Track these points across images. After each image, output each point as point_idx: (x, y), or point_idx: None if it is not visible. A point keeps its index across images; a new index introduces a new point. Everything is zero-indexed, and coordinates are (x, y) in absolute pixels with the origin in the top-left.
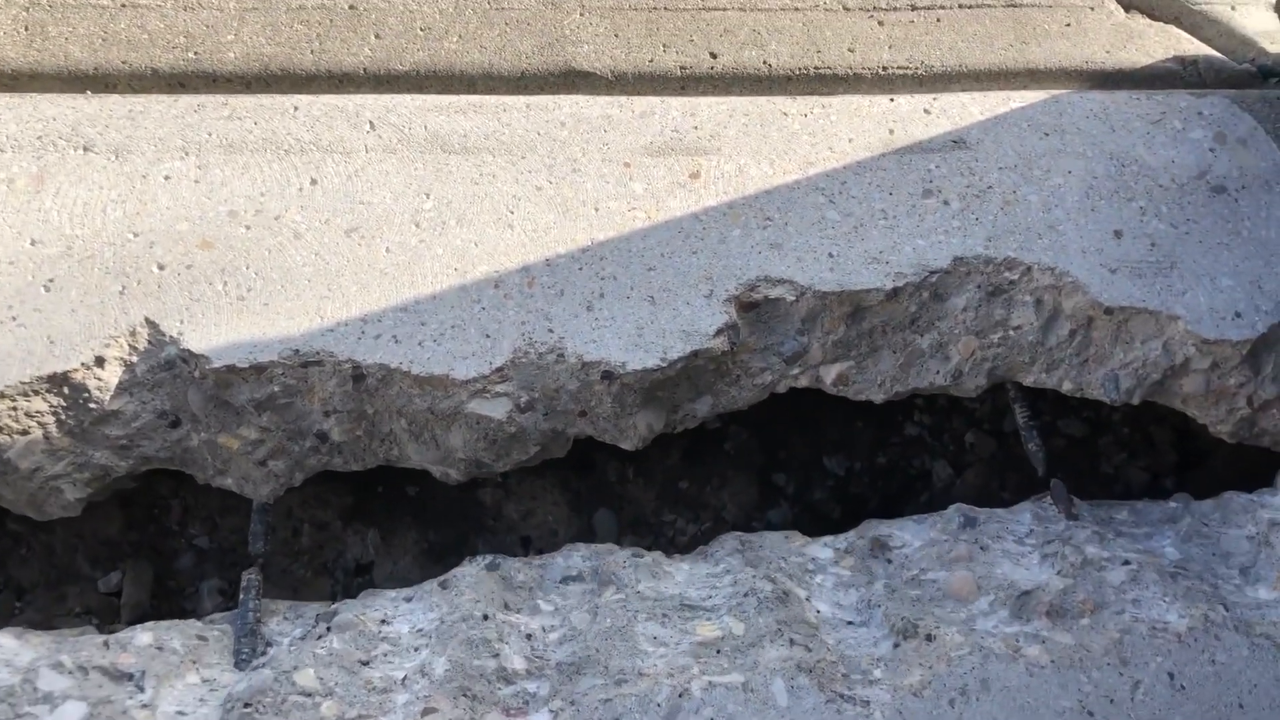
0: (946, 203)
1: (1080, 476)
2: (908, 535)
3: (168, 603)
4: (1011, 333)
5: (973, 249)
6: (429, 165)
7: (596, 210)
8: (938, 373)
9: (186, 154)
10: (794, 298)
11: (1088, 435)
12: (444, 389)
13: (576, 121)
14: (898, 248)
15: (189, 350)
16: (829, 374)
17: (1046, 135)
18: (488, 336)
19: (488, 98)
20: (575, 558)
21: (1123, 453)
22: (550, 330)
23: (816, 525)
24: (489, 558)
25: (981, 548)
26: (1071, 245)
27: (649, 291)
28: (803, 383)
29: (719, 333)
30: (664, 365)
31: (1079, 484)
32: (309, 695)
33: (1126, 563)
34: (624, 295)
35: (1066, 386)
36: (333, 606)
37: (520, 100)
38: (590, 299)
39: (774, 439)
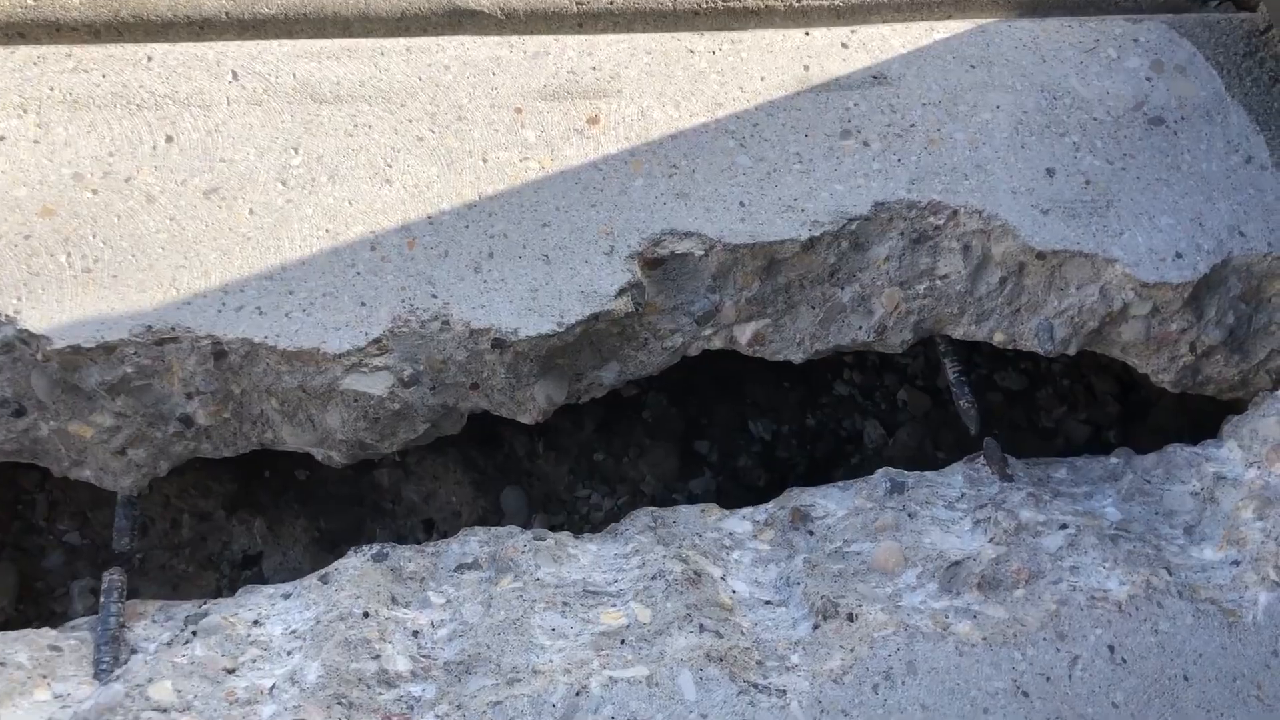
0: (866, 144)
1: (1019, 432)
2: (831, 504)
3: (35, 606)
4: (938, 282)
5: (895, 193)
6: (298, 117)
7: (485, 161)
8: (860, 328)
9: (25, 111)
10: (703, 252)
11: (1026, 389)
12: (315, 364)
13: (462, 65)
14: (814, 194)
15: (28, 330)
16: (744, 334)
17: (973, 68)
18: (363, 304)
19: (364, 41)
20: (472, 543)
21: (1062, 406)
22: (434, 295)
23: (741, 495)
24: (376, 547)
25: (909, 515)
26: (1000, 186)
27: (543, 249)
28: (716, 344)
29: (621, 293)
30: (561, 330)
31: (1017, 440)
32: (164, 711)
33: (1064, 526)
34: (516, 255)
35: (998, 338)
36: (203, 607)
37: (400, 43)
38: (478, 260)
39: (695, 405)
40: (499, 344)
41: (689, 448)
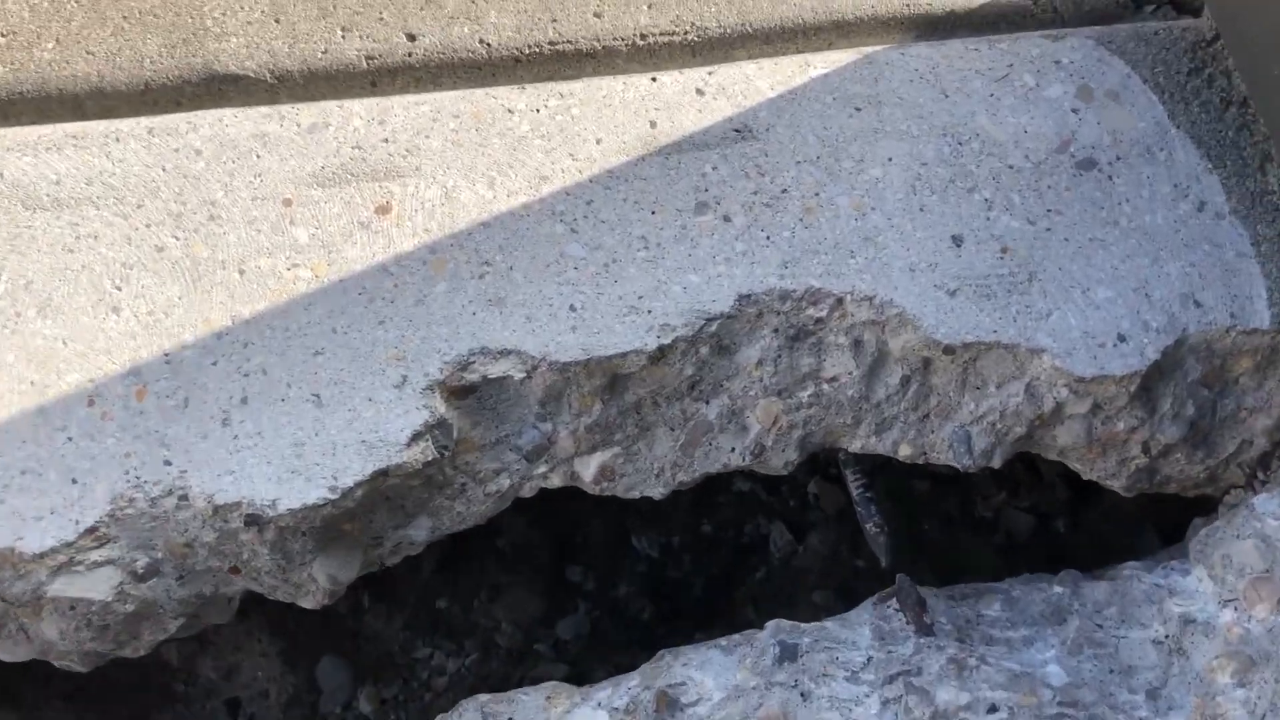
0: (728, 219)
1: (951, 526)
2: (709, 678)
3: None
4: (825, 387)
5: (764, 281)
6: (3, 230)
7: (241, 273)
8: (733, 450)
9: None
10: (524, 374)
11: (958, 471)
12: (12, 567)
13: (218, 147)
14: (663, 289)
15: None
16: (587, 468)
17: (858, 110)
18: (75, 481)
19: (96, 124)
20: None
21: (1001, 492)
22: (168, 462)
23: (622, 635)
24: None
25: (803, 694)
26: (895, 262)
27: (314, 387)
28: (555, 482)
29: (417, 437)
30: (335, 498)
31: (950, 535)
32: None
33: (993, 710)
34: (277, 397)
35: (904, 451)
36: None
37: (141, 124)
38: (227, 408)
39: (565, 520)
40: (254, 521)
41: (558, 575)
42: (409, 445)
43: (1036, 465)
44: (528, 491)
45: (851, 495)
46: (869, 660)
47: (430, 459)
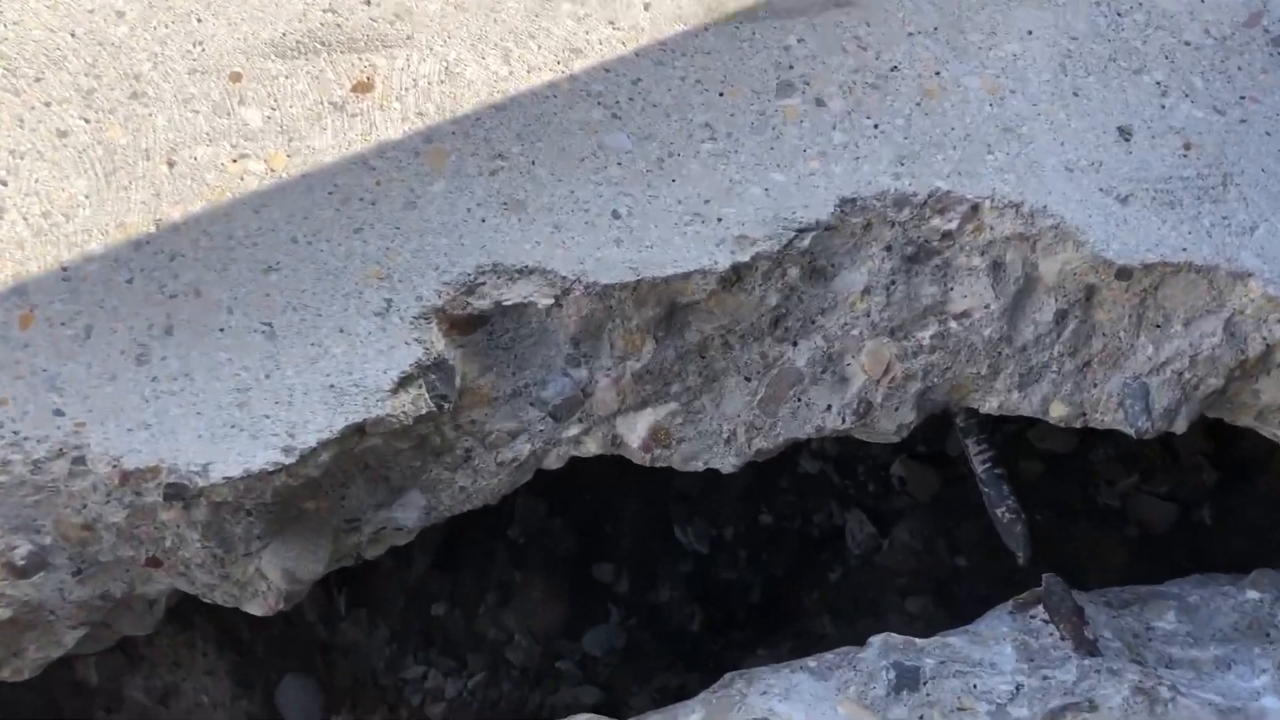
0: (821, 102)
1: (1068, 517)
2: (799, 713)
3: None
4: (954, 325)
5: (873, 181)
6: None
7: (172, 166)
8: (829, 409)
9: None
10: (550, 300)
11: (1076, 449)
12: None
13: (147, 7)
14: (737, 191)
15: None
16: (634, 429)
17: None
18: None
19: None
20: None
21: (1131, 474)
22: (60, 412)
23: (663, 652)
24: None
25: None
26: (1047, 159)
27: (264, 314)
28: (591, 449)
29: (405, 383)
30: (291, 462)
31: (1069, 527)
32: None
33: None
34: (214, 327)
35: (1058, 411)
36: None
37: None
38: (145, 341)
39: (592, 505)
40: (177, 493)
41: (585, 575)
42: (394, 393)
43: (1171, 443)
44: (554, 461)
45: (976, 472)
46: (1018, 689)
47: (423, 413)
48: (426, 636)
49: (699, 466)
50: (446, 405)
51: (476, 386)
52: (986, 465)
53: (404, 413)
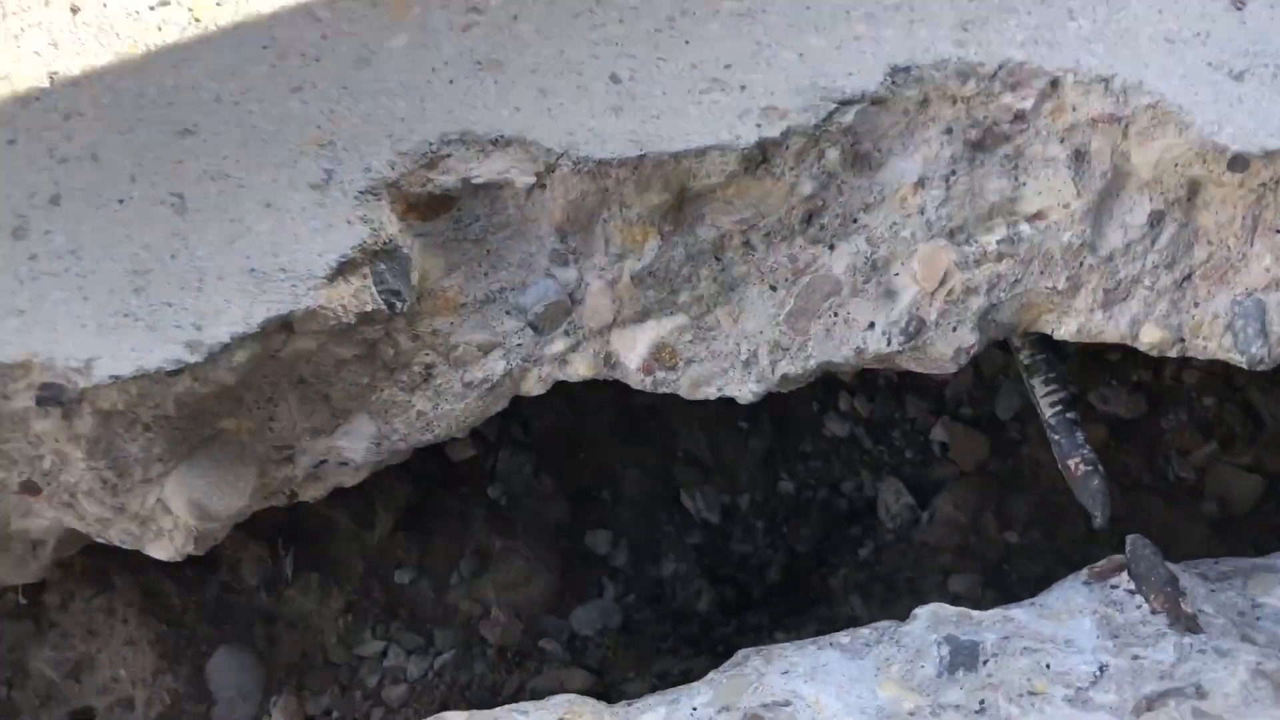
0: None
1: (1137, 491)
2: (829, 696)
3: None
4: (1026, 228)
5: (931, 47)
6: None
7: (75, 12)
8: (872, 327)
9: None
10: (532, 178)
11: (1145, 414)
12: None
13: None
14: (765, 54)
15: None
16: (633, 346)
17: None
18: None
19: None
20: None
21: (1209, 441)
22: None
23: (668, 633)
24: None
25: None
26: (1142, 27)
27: (174, 184)
28: (580, 370)
29: (347, 270)
30: (197, 361)
31: (1137, 502)
32: None
33: None
34: (111, 197)
35: (1150, 336)
36: None
37: None
38: (23, 213)
39: (586, 463)
40: (53, 396)
41: (576, 544)
42: (330, 281)
43: (1253, 406)
44: (534, 385)
45: (1043, 417)
46: (1102, 670)
47: (368, 310)
48: (388, 608)
49: (711, 393)
50: (399, 305)
51: (440, 289)
52: (1057, 409)
53: (342, 307)
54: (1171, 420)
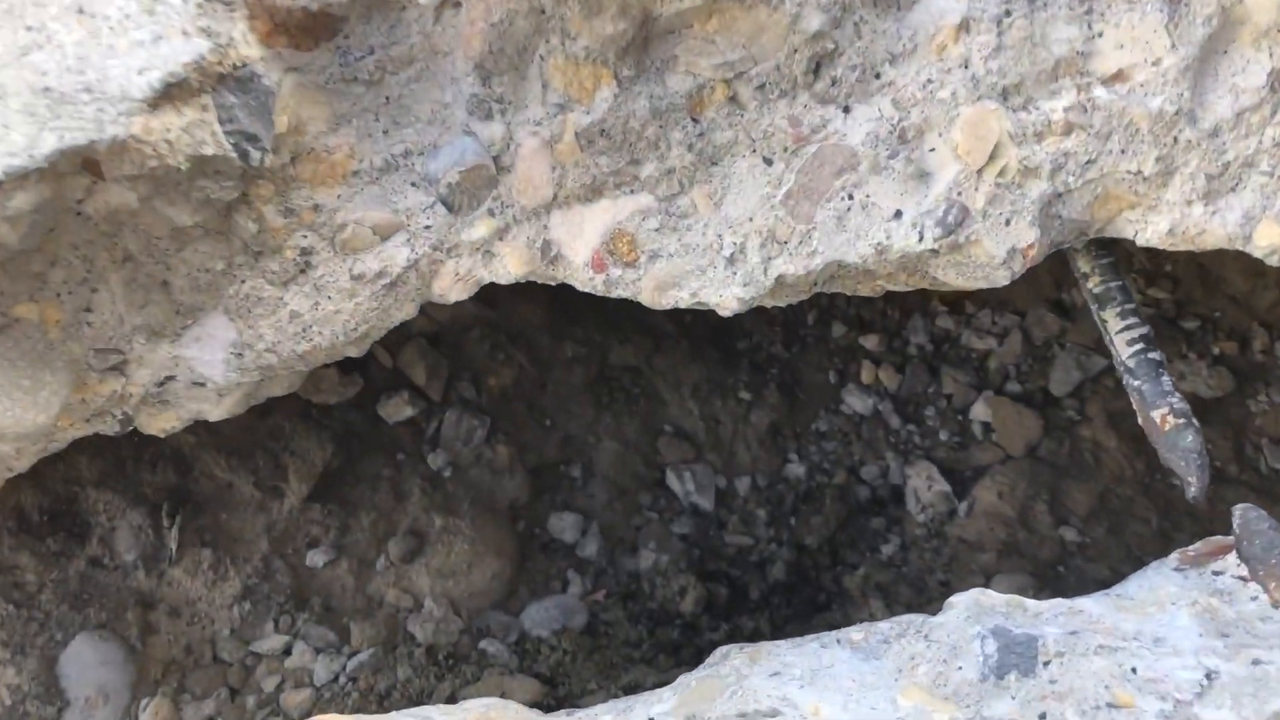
0: None
1: (1222, 481)
2: (832, 706)
3: None
4: (1101, 93)
5: None
6: None
7: None
8: (898, 216)
9: None
10: None
11: (1231, 392)
12: None
13: None
14: None
15: None
16: (580, 231)
17: None
18: None
19: None
20: None
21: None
22: None
23: (642, 631)
24: None
25: None
26: None
27: None
28: (511, 265)
29: (175, 95)
30: None
31: (1219, 497)
32: None
33: None
34: None
35: (1267, 237)
36: None
37: None
38: None
39: (555, 436)
40: None
41: (535, 528)
42: (155, 108)
43: None
44: (449, 286)
45: (1119, 358)
46: (1211, 678)
47: (209, 154)
48: (296, 596)
49: (682, 299)
50: (256, 155)
51: (324, 149)
52: (1137, 347)
53: (167, 143)
54: (1263, 401)
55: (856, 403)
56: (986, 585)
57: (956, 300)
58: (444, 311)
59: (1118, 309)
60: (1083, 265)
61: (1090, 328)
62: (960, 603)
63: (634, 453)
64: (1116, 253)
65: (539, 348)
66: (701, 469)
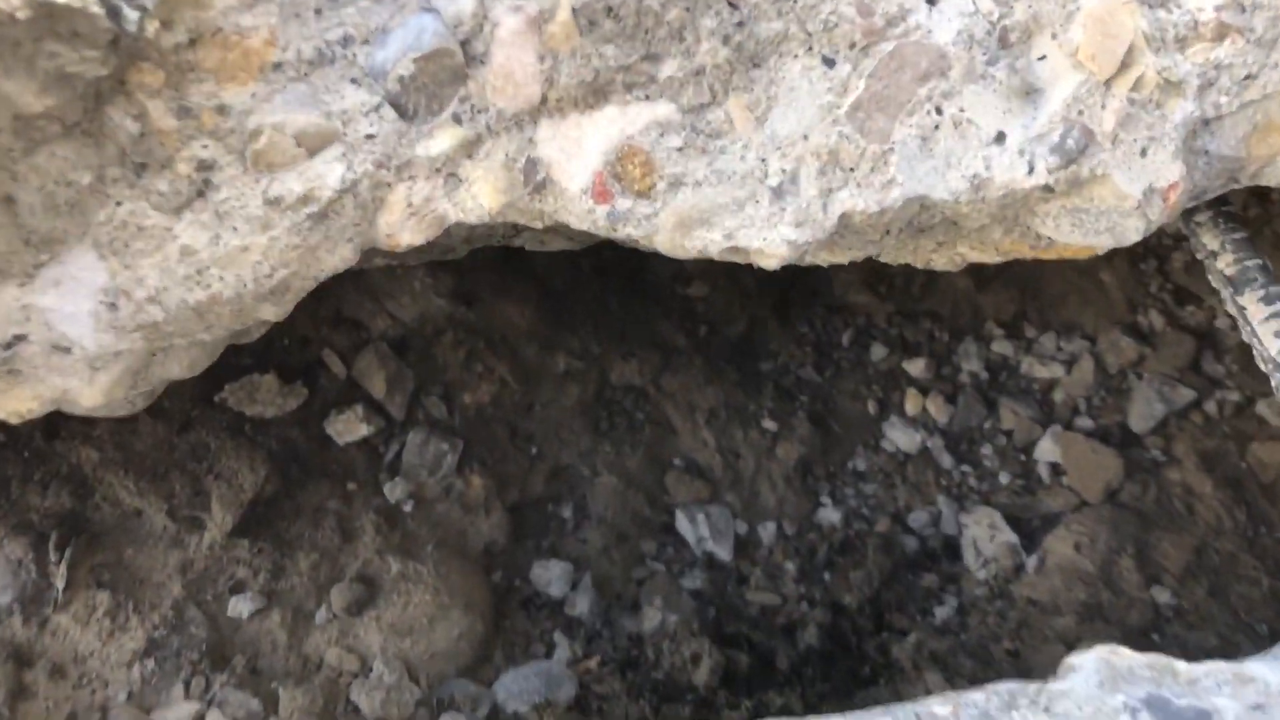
0: None
1: None
2: None
3: None
4: None
5: None
6: None
7: None
8: (1001, 139)
9: None
10: None
11: None
12: None
13: None
14: None
15: None
16: (578, 148)
17: None
18: None
19: None
20: None
21: None
22: None
23: (648, 709)
24: None
25: None
26: None
27: None
28: (484, 196)
29: None
30: None
31: None
32: None
33: None
34: None
35: None
36: None
37: None
38: None
39: (541, 465)
40: None
41: (515, 578)
42: None
43: None
44: (404, 223)
45: (1264, 352)
46: None
47: (80, 6)
48: (214, 652)
49: (713, 243)
50: (131, 15)
51: (234, 30)
52: None
53: None
54: None
55: (901, 438)
56: (1064, 655)
57: (1014, 321)
58: (410, 310)
59: (1260, 292)
60: (1208, 241)
61: (1175, 354)
62: (1085, 664)
63: (637, 490)
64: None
65: (525, 359)
66: (718, 511)
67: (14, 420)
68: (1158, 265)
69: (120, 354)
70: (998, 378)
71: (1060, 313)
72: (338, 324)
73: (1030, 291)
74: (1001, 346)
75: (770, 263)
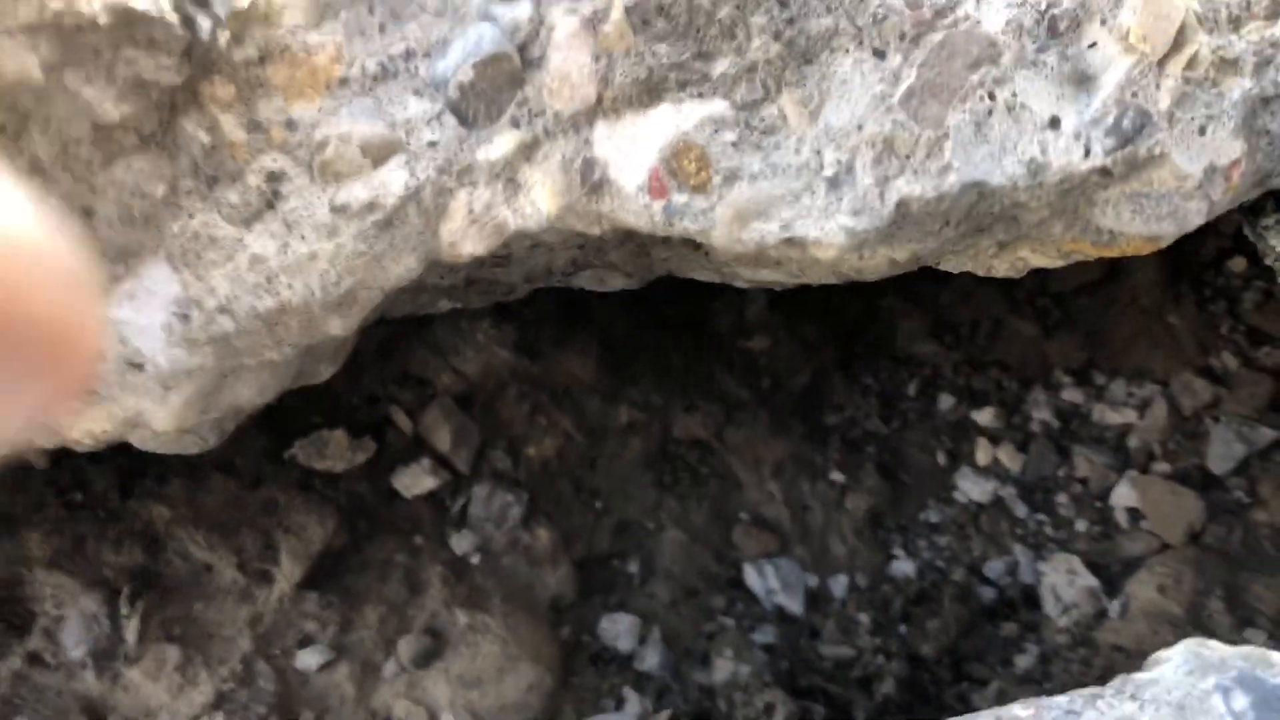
0: None
1: None
2: None
3: None
4: None
5: None
6: None
7: None
8: (1055, 124)
9: None
10: None
11: None
12: None
13: None
14: None
15: None
16: (633, 147)
17: None
18: None
19: None
20: None
21: None
22: None
23: None
24: None
25: None
26: None
27: None
28: (542, 202)
29: None
30: None
31: None
32: None
33: None
34: None
35: None
36: None
37: None
38: None
39: (607, 519)
40: None
41: (584, 632)
42: None
43: None
44: (466, 232)
45: None
46: None
47: (142, 8)
48: (282, 705)
49: (769, 235)
50: (205, 25)
51: (302, 47)
52: None
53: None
54: None
55: (973, 488)
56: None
57: (1082, 369)
58: (474, 364)
59: None
60: (1277, 243)
61: (1252, 395)
62: (1174, 656)
63: (703, 544)
64: None
65: (588, 412)
66: (787, 565)
67: (88, 442)
68: (1228, 307)
69: (191, 372)
70: (1069, 425)
71: (1129, 358)
72: (404, 382)
73: (1097, 339)
74: (1071, 394)
75: (828, 254)
